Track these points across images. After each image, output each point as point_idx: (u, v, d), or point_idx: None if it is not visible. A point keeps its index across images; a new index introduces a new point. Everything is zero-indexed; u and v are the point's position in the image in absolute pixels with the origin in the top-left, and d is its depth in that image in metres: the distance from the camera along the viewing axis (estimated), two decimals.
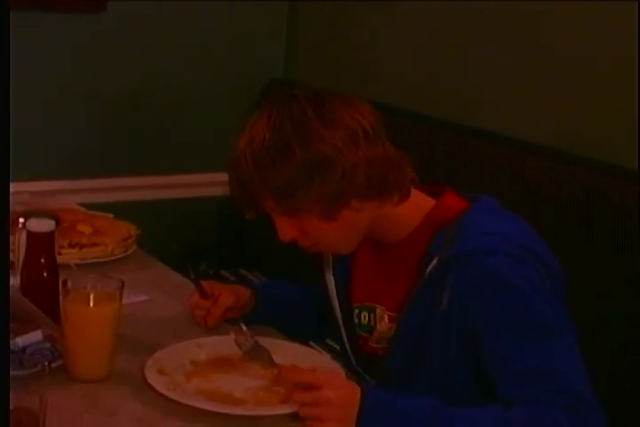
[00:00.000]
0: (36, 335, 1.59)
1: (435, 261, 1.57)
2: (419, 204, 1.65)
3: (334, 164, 1.52)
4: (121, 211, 2.45)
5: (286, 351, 1.72)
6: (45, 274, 1.79)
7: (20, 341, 1.56)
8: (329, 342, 2.12)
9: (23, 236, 1.83)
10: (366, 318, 1.73)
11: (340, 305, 1.77)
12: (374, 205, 1.59)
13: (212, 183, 3.24)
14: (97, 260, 2.13)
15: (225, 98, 3.24)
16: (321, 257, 1.79)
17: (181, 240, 3.16)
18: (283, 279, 2.01)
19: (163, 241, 2.67)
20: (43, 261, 1.79)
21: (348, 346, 1.78)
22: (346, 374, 1.64)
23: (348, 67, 3.08)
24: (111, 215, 2.38)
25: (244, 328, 1.71)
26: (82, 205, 2.57)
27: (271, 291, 1.93)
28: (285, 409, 1.49)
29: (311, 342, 1.99)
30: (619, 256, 2.06)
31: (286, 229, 1.60)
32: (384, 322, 1.70)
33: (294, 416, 1.47)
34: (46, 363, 1.41)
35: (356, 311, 1.75)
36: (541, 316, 1.51)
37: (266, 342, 1.74)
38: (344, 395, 1.44)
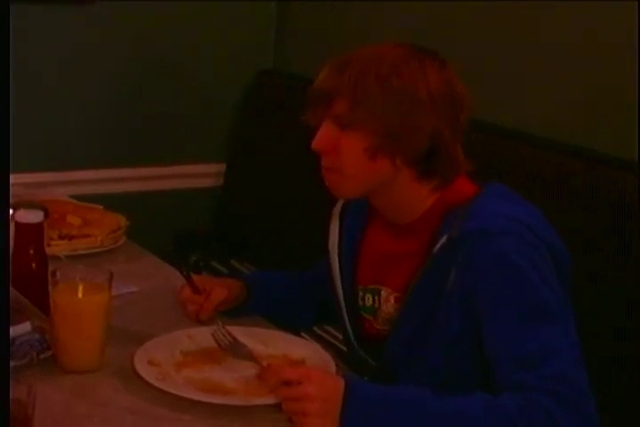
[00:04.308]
0: (24, 327, 1.58)
1: (443, 240, 1.58)
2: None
3: (420, 112, 1.56)
4: (111, 202, 2.44)
5: (277, 342, 1.72)
6: (34, 265, 1.78)
7: None
8: (319, 331, 2.13)
9: (12, 227, 1.82)
10: (370, 300, 1.73)
11: (343, 288, 1.77)
12: (409, 177, 1.61)
13: (202, 175, 3.24)
14: (86, 251, 2.13)
15: (215, 90, 3.23)
16: (327, 240, 1.79)
17: (171, 232, 3.15)
18: (272, 269, 2.01)
19: (153, 233, 2.66)
20: (31, 252, 1.78)
21: (349, 329, 1.78)
22: (336, 365, 1.63)
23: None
24: (101, 207, 2.38)
25: (221, 325, 1.69)
26: (72, 196, 2.56)
27: (261, 282, 1.93)
28: (275, 399, 1.48)
29: (302, 333, 1.99)
30: (618, 249, 2.06)
31: (326, 138, 1.61)
32: (390, 303, 1.70)
33: None
34: (35, 354, 1.40)
35: (360, 294, 1.75)
36: (543, 301, 1.51)
37: (256, 332, 1.74)
38: (325, 389, 1.42)
